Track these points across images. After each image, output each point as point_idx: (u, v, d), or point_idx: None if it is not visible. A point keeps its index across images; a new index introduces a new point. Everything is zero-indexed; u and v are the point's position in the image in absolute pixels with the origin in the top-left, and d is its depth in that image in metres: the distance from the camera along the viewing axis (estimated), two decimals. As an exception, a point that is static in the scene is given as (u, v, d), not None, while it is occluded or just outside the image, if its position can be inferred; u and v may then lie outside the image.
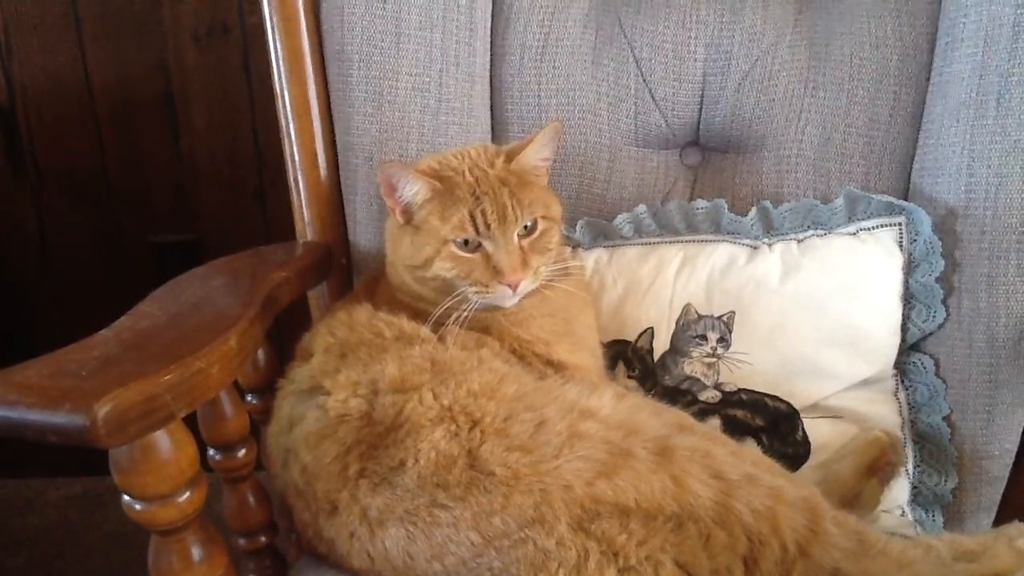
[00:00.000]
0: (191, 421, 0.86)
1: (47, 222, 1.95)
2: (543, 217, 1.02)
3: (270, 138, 1.81)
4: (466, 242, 0.99)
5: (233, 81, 1.85)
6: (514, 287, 0.99)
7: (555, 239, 1.05)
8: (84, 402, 0.72)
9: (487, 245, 0.99)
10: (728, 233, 1.21)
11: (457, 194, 0.99)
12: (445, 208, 0.99)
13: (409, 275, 1.04)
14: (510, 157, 1.03)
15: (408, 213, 1.02)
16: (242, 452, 1.02)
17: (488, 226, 0.98)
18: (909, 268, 1.16)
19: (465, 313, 0.99)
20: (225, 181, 1.92)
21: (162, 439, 0.80)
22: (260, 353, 1.10)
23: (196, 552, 0.85)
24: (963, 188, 1.13)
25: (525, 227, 1.01)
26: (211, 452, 1.02)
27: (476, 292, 0.99)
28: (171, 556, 0.85)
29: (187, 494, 0.82)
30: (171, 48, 1.83)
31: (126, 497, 0.82)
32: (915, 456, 1.16)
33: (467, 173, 1.01)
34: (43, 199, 1.94)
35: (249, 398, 1.13)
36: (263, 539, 1.07)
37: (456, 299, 1.00)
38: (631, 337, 1.17)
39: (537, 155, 1.03)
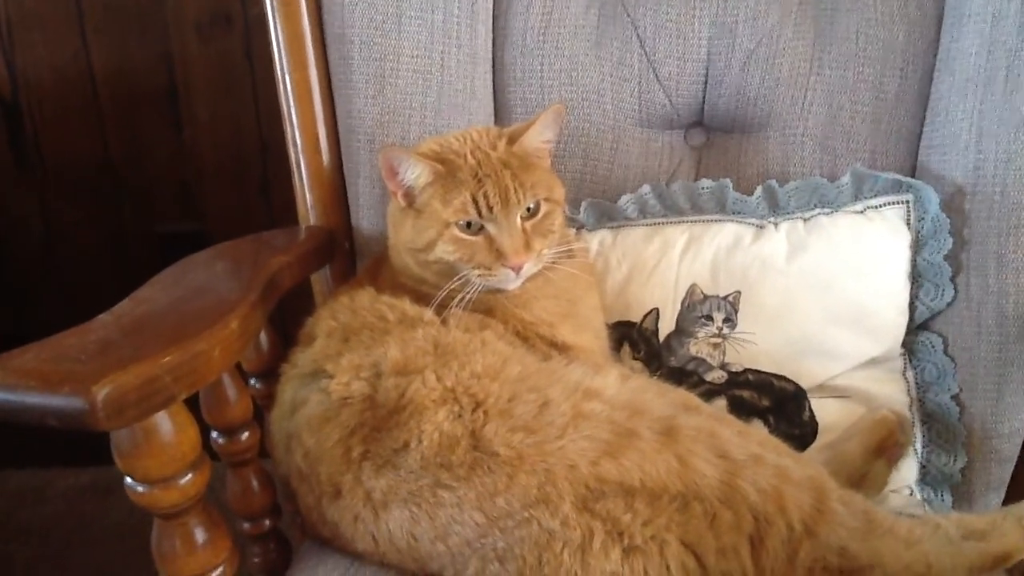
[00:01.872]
0: (195, 406, 0.86)
1: (51, 214, 1.96)
2: (546, 199, 1.02)
3: (274, 128, 1.79)
4: (468, 225, 0.98)
5: (236, 72, 1.85)
6: (517, 269, 0.98)
7: (558, 221, 1.04)
8: (83, 385, 0.72)
9: (490, 228, 0.98)
10: (733, 213, 1.20)
11: (459, 177, 0.99)
12: (447, 191, 0.99)
13: (411, 258, 1.03)
14: (512, 139, 1.02)
15: (410, 196, 1.02)
16: (245, 435, 1.02)
17: (490, 208, 0.97)
18: (917, 246, 1.15)
19: (468, 296, 0.99)
20: (229, 172, 1.92)
21: (163, 422, 0.80)
22: (263, 337, 1.10)
23: (199, 535, 0.86)
24: (971, 165, 1.12)
25: (528, 209, 1.00)
26: (214, 436, 1.02)
27: (479, 275, 0.99)
28: (174, 539, 0.85)
29: (189, 476, 0.82)
30: (174, 39, 1.82)
31: (128, 480, 0.82)
32: (923, 436, 1.15)
33: (469, 156, 1.00)
34: (47, 191, 1.94)
35: (252, 382, 1.12)
36: (267, 523, 1.07)
37: (459, 282, 0.99)
38: (636, 318, 1.16)
39: (539, 137, 1.03)
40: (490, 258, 0.98)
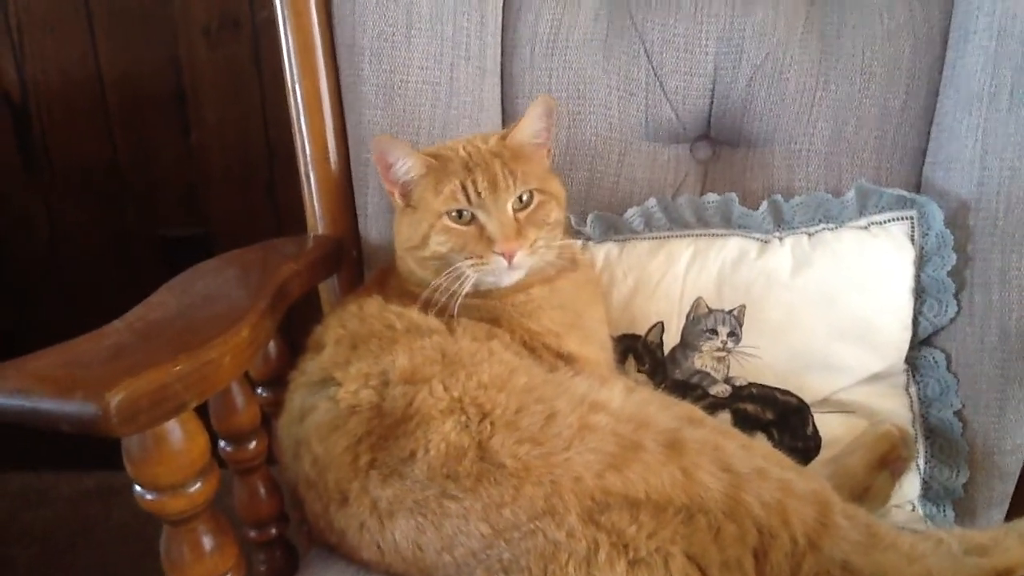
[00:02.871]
0: (203, 413, 0.86)
1: (57, 216, 1.96)
2: (539, 191, 1.02)
3: (280, 133, 1.81)
4: (460, 214, 0.99)
5: (243, 76, 1.85)
6: (509, 257, 0.98)
7: (553, 214, 1.04)
8: (96, 391, 0.73)
9: (480, 215, 0.99)
10: (739, 227, 1.20)
11: (450, 168, 1.00)
12: (438, 182, 1.00)
13: (411, 258, 1.04)
14: (505, 135, 1.04)
15: (406, 193, 1.03)
16: (253, 444, 1.02)
17: (480, 194, 0.98)
18: (921, 262, 1.15)
19: (463, 287, 0.98)
20: (236, 176, 1.93)
21: (174, 429, 0.80)
22: (271, 345, 1.11)
23: (207, 542, 0.86)
24: (975, 181, 1.13)
25: (521, 199, 1.00)
26: (222, 443, 1.02)
27: (472, 265, 0.99)
28: (182, 546, 0.85)
29: (198, 484, 0.83)
30: (182, 43, 1.83)
31: (138, 487, 0.82)
32: (926, 451, 1.15)
33: (461, 149, 1.02)
34: (54, 194, 1.94)
35: (260, 390, 1.13)
36: (274, 531, 1.07)
37: (453, 274, 0.99)
38: (641, 331, 1.17)
39: (531, 128, 1.04)
40: (481, 246, 0.99)
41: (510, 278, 1.01)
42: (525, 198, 1.01)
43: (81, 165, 1.92)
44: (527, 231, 1.00)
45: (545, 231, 1.02)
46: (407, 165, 1.01)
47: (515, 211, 1.00)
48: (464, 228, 0.99)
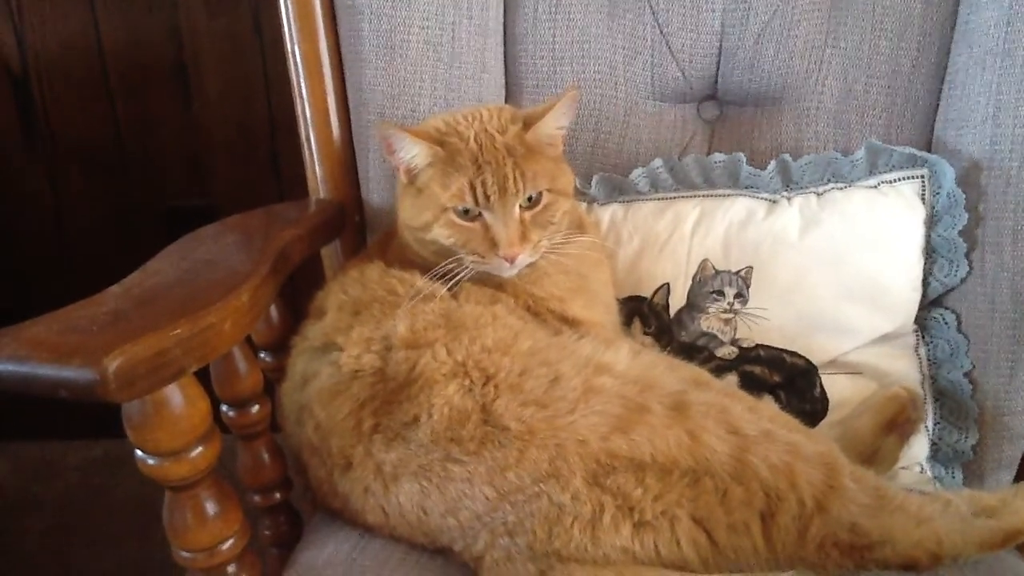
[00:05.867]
0: (206, 380, 0.86)
1: (60, 189, 1.95)
2: (548, 190, 0.99)
3: (283, 102, 1.79)
4: (466, 211, 0.97)
5: (245, 45, 1.84)
6: (511, 260, 0.97)
7: (559, 212, 1.01)
8: (94, 356, 0.72)
9: (486, 216, 0.96)
10: (746, 187, 1.18)
11: (458, 161, 0.96)
12: (446, 175, 0.97)
13: (410, 235, 1.03)
14: (528, 124, 0.99)
15: (411, 173, 1.01)
16: (255, 409, 1.02)
17: (488, 197, 0.95)
18: (931, 222, 1.13)
19: (461, 276, 0.97)
20: (238, 146, 1.92)
21: (174, 394, 0.80)
22: (273, 311, 1.10)
23: (210, 508, 0.86)
24: (988, 139, 1.11)
25: (529, 199, 0.98)
26: (224, 409, 1.02)
27: (473, 261, 0.98)
28: (185, 512, 0.85)
29: (199, 449, 0.82)
30: (182, 13, 1.81)
31: (139, 453, 0.82)
32: (935, 412, 1.14)
33: (472, 140, 0.98)
34: (56, 166, 1.94)
35: (263, 356, 1.13)
36: (278, 496, 1.07)
37: (453, 263, 0.98)
38: (647, 293, 1.16)
39: (555, 123, 1.00)
40: (484, 246, 0.97)
41: (509, 273, 0.99)
42: (534, 197, 0.98)
43: (84, 138, 1.91)
44: (531, 233, 0.98)
45: (550, 231, 1.00)
46: (412, 153, 0.98)
47: (522, 209, 0.98)
48: (469, 225, 0.97)
